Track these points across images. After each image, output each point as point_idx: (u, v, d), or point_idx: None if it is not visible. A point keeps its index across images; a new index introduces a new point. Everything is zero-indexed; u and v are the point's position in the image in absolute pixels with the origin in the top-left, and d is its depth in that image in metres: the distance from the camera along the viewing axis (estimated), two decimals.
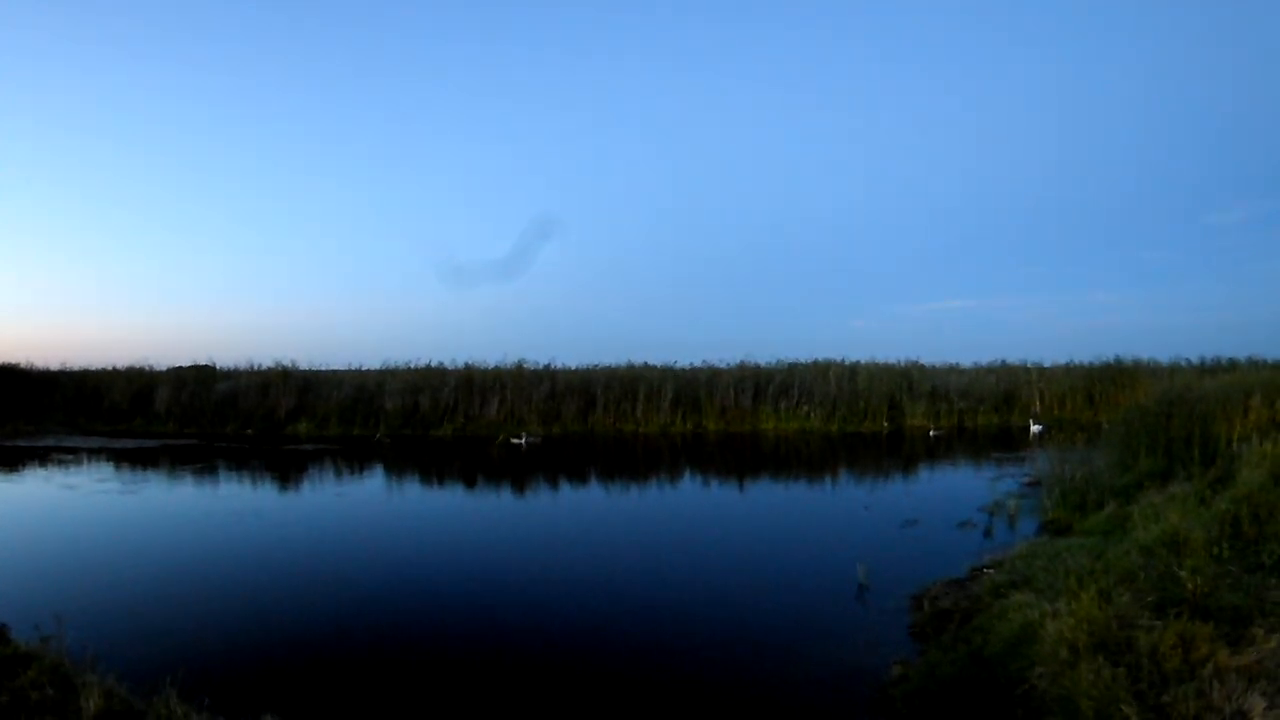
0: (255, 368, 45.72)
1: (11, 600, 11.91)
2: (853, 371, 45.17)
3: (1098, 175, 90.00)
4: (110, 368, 48.50)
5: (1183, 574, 7.91)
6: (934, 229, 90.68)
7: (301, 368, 45.81)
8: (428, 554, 15.78)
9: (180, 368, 46.73)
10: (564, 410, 41.85)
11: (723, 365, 46.26)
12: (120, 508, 20.53)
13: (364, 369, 46.72)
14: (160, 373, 46.65)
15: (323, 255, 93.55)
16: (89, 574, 13.93)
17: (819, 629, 10.64)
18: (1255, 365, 32.76)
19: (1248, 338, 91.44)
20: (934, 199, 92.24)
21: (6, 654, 8.09)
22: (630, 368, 45.47)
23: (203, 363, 47.04)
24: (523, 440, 36.45)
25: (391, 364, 46.17)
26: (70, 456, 31.85)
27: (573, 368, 45.78)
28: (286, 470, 27.83)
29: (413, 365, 45.49)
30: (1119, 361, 46.17)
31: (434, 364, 45.32)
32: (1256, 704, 5.32)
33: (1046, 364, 48.96)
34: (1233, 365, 36.06)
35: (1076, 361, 48.45)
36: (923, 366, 48.07)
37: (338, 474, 27.21)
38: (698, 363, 46.94)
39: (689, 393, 43.11)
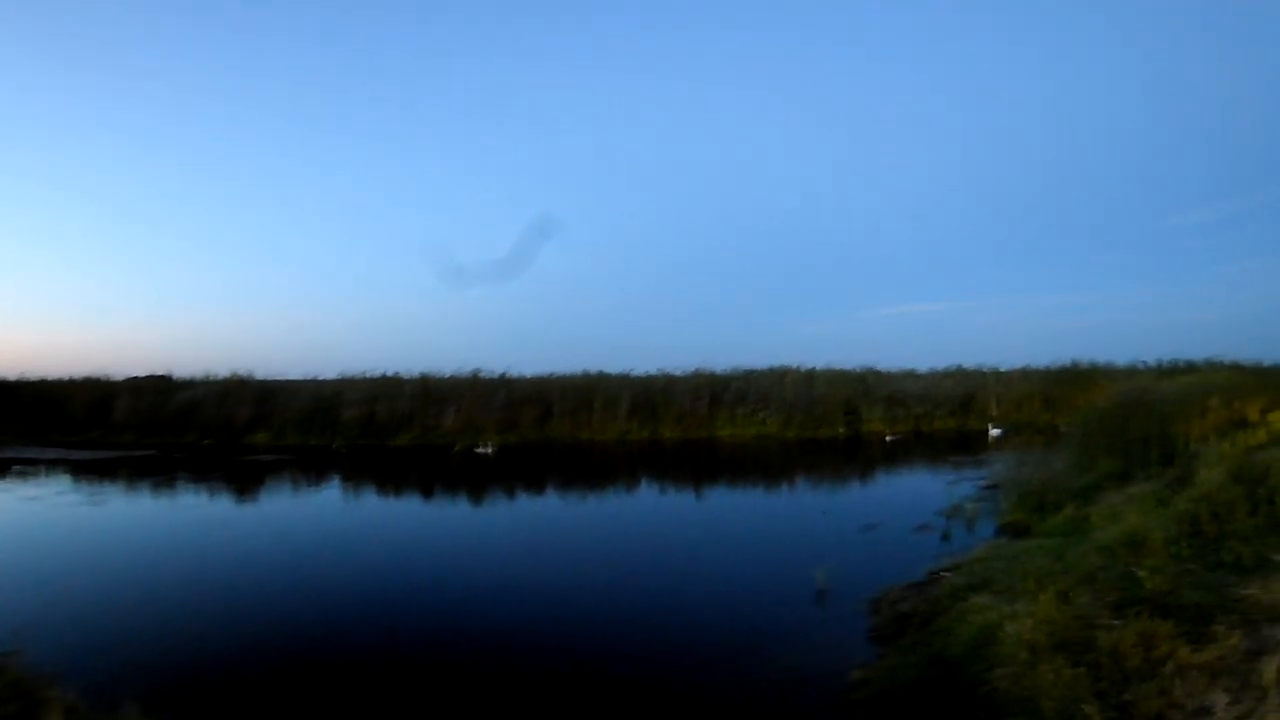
0: (212, 377, 45.81)
1: None
2: (809, 378, 45.69)
3: (1059, 179, 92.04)
4: (68, 378, 48.13)
5: (1143, 573, 7.99)
6: (892, 234, 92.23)
7: (259, 377, 45.96)
8: (389, 564, 15.53)
9: (138, 378, 46.69)
10: (521, 419, 42.06)
11: (679, 373, 46.81)
12: (81, 521, 20.13)
13: (321, 378, 47.03)
14: (118, 383, 46.47)
15: (280, 264, 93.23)
16: (50, 587, 13.68)
17: (778, 634, 10.58)
18: (1214, 367, 33.45)
19: (1206, 339, 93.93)
20: (893, 205, 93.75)
21: None
22: (586, 376, 45.86)
23: (160, 373, 47.16)
24: (489, 449, 36.48)
25: (348, 373, 46.61)
26: (29, 468, 31.27)
27: (529, 377, 46.29)
28: (245, 482, 27.37)
29: (369, 375, 45.86)
30: (1076, 365, 47.28)
31: (390, 373, 45.75)
32: (1220, 699, 5.35)
33: (1004, 368, 50.10)
34: (1191, 367, 36.87)
35: (1034, 365, 49.65)
36: (879, 372, 48.82)
37: (297, 485, 26.84)
38: (654, 371, 47.45)
39: (645, 401, 43.40)
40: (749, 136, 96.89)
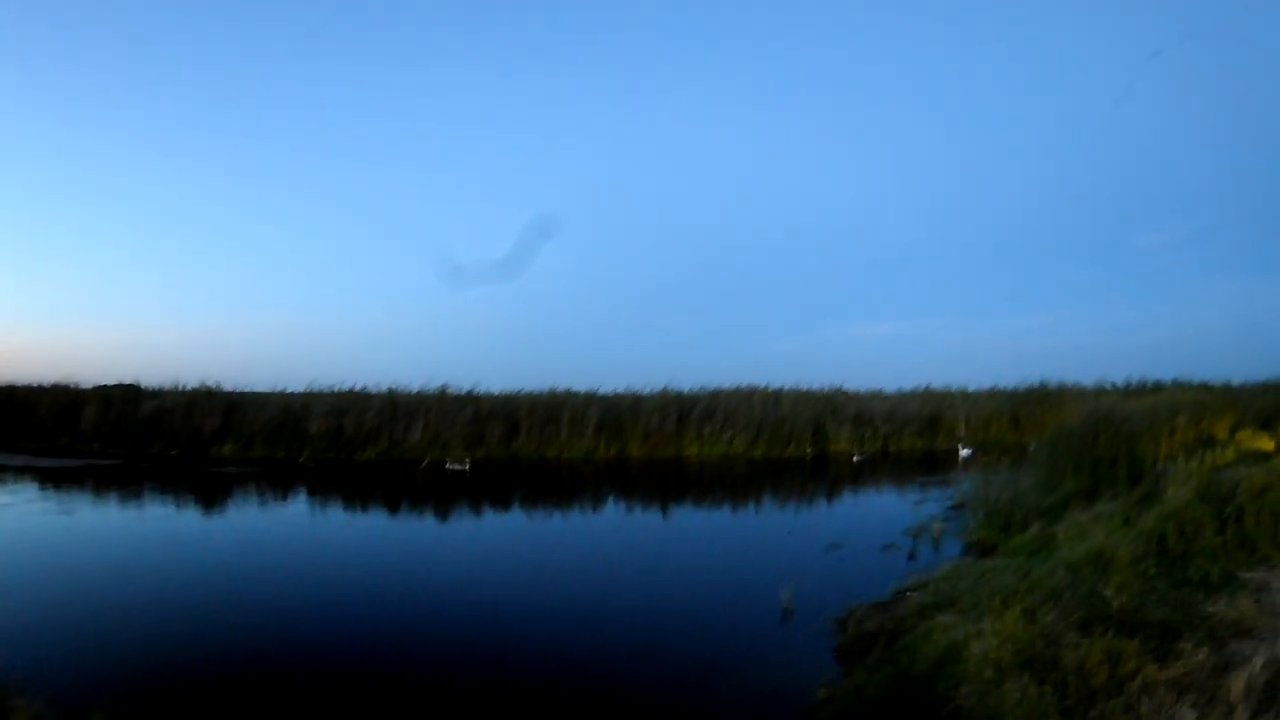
0: (181, 388, 45.53)
1: None
2: (776, 397, 45.98)
3: (1026, 198, 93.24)
4: (36, 384, 47.61)
5: (1109, 591, 8.07)
6: (858, 254, 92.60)
7: (226, 388, 45.72)
8: (354, 580, 15.34)
9: (106, 386, 46.23)
10: (488, 435, 41.98)
11: (646, 392, 46.98)
12: (49, 529, 19.85)
13: (288, 391, 46.85)
14: (87, 390, 46.04)
15: (248, 274, 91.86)
16: (17, 596, 13.46)
17: (744, 653, 10.57)
18: (1181, 386, 34.03)
19: (1174, 359, 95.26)
20: (859, 225, 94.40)
21: None
22: (554, 394, 45.94)
23: (129, 381, 46.58)
24: (465, 466, 36.37)
25: (316, 386, 46.47)
26: None
27: (496, 393, 46.26)
28: (212, 494, 27.06)
29: (336, 388, 45.76)
30: (1044, 384, 48.11)
31: (358, 387, 45.72)
32: (1186, 715, 5.39)
33: (971, 388, 50.87)
34: (1158, 387, 37.48)
35: (1002, 385, 50.40)
36: (847, 392, 49.30)
37: (264, 499, 26.53)
38: (621, 389, 47.56)
39: (613, 419, 43.51)
40: (716, 155, 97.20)
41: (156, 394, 45.07)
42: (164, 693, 9.22)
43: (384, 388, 45.18)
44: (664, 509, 24.93)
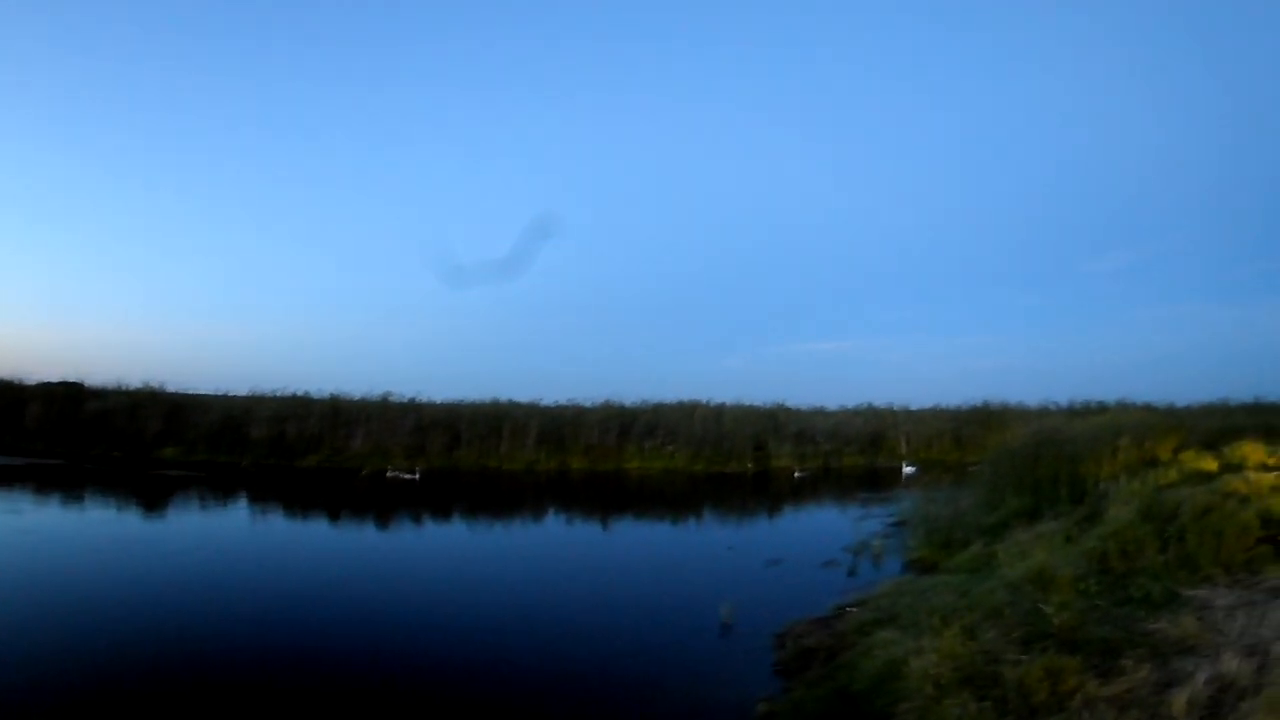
0: (124, 388, 45.21)
1: None
2: (719, 413, 46.31)
3: (973, 223, 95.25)
4: None
5: (1050, 609, 8.10)
6: (804, 274, 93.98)
7: (170, 390, 45.62)
8: (290, 588, 15.19)
9: (50, 384, 45.79)
10: (429, 445, 41.97)
11: (589, 404, 47.12)
12: None
13: (231, 394, 46.89)
14: (30, 387, 45.72)
15: (197, 274, 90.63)
16: None
17: (683, 668, 10.46)
18: (1125, 407, 34.84)
19: (1118, 381, 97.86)
20: (806, 245, 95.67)
21: None
22: (495, 404, 45.84)
23: (72, 379, 46.20)
24: (415, 474, 36.11)
25: (259, 390, 46.39)
26: None
27: (438, 402, 46.20)
28: (154, 498, 26.60)
29: (279, 393, 45.53)
30: (988, 404, 49.08)
31: (300, 393, 45.45)
32: None
33: (914, 406, 51.76)
34: (1102, 408, 38.31)
35: (945, 404, 51.38)
36: (789, 409, 49.90)
37: (205, 504, 26.14)
38: (564, 401, 47.59)
39: (554, 431, 43.58)
40: (669, 174, 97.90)
41: (100, 393, 45.07)
42: (99, 699, 9.08)
43: (326, 394, 45.14)
44: (605, 523, 24.81)
